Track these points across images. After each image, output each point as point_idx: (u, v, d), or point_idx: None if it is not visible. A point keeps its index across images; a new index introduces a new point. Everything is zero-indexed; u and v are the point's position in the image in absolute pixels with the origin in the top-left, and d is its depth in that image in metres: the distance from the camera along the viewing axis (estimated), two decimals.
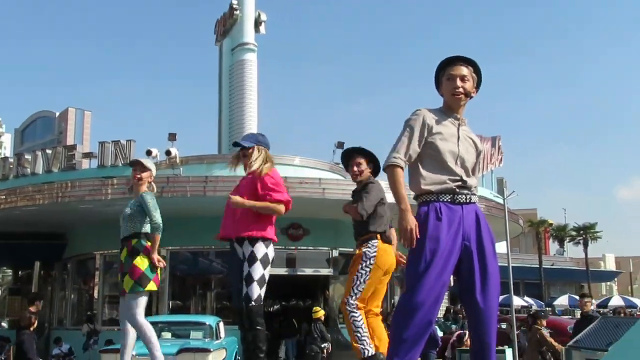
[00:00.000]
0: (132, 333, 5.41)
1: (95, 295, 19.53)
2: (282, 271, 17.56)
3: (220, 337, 12.64)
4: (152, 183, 5.71)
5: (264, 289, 4.80)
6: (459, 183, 3.47)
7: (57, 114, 72.98)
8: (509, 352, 6.75)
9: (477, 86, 3.63)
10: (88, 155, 21.28)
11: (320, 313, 15.20)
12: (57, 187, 17.01)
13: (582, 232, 48.65)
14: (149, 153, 18.83)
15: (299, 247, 17.57)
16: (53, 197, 16.82)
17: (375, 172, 5.49)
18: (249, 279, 4.75)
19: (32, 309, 10.34)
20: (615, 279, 59.75)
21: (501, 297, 23.89)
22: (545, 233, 47.82)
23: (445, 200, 3.44)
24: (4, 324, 23.00)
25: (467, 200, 3.48)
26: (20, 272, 24.52)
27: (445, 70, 3.58)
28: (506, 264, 11.27)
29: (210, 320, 12.52)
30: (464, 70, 3.55)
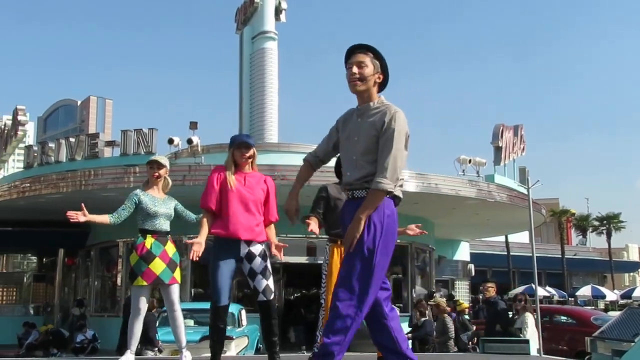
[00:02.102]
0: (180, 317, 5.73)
1: (118, 282, 19.70)
2: (302, 260, 17.57)
3: (242, 325, 12.70)
4: (167, 177, 5.91)
5: None
6: (345, 180, 3.63)
7: (79, 102, 73.59)
8: (532, 342, 6.66)
9: (384, 72, 3.64)
10: (111, 143, 21.40)
11: (464, 305, 15.39)
12: (81, 175, 17.14)
13: (605, 222, 48.18)
14: (170, 142, 18.88)
15: (319, 236, 17.55)
16: (76, 185, 16.95)
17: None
18: (268, 274, 4.95)
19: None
20: (639, 270, 59.12)
21: (524, 287, 23.64)
22: (568, 223, 47.40)
23: (348, 197, 3.63)
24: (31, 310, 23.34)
25: (350, 197, 3.56)
26: (44, 259, 24.81)
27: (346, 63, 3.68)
28: (530, 254, 11.15)
29: (232, 308, 12.57)
30: (361, 57, 3.60)
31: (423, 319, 12.49)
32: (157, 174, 5.77)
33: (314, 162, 3.92)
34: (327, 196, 5.54)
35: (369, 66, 3.58)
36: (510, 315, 11.43)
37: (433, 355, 9.58)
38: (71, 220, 5.50)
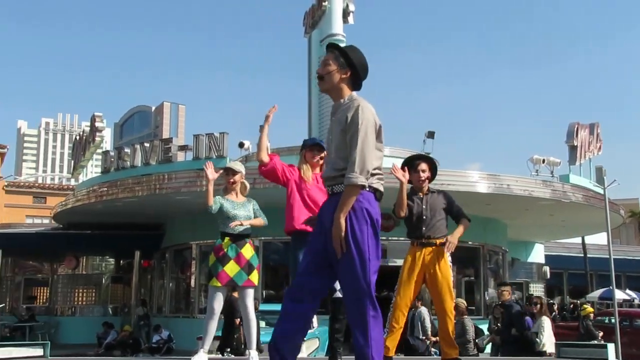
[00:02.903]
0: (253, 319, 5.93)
1: (192, 284, 20.09)
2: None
3: (313, 327, 12.75)
4: (245, 182, 6.10)
5: None
6: (323, 175, 3.73)
7: (153, 108, 75.52)
8: (610, 347, 6.44)
9: (352, 68, 3.65)
10: (183, 148, 21.81)
11: (588, 310, 15.14)
12: (155, 179, 17.57)
13: None
14: (241, 145, 19.17)
15: (389, 238, 17.43)
16: (151, 188, 17.39)
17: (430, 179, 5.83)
18: None
19: (236, 294, 11.27)
20: None
21: (602, 290, 22.79)
22: None
23: (328, 193, 3.68)
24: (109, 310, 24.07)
25: (330, 192, 3.62)
26: (121, 261, 25.51)
27: None
28: (607, 256, 10.82)
29: None
30: (326, 56, 3.72)
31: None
32: (232, 180, 5.94)
33: None
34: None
35: (332, 65, 3.65)
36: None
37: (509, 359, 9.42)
38: (206, 168, 5.81)
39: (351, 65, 3.65)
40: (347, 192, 3.42)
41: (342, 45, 3.71)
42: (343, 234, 3.39)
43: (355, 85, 3.72)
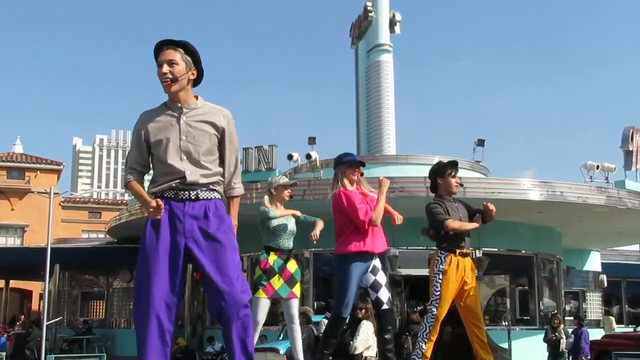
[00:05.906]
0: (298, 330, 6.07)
1: None
2: (424, 272, 17.35)
3: None
4: None
5: None
6: (181, 180, 3.40)
7: None
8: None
9: (198, 67, 3.49)
10: None
11: None
12: None
13: None
14: (290, 157, 19.28)
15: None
16: None
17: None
18: (388, 285, 5.37)
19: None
20: None
21: None
22: None
23: (168, 196, 3.42)
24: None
25: (194, 197, 3.39)
26: None
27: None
28: None
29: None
30: (171, 54, 3.42)
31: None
32: (292, 194, 6.21)
33: (141, 177, 3.65)
34: (445, 208, 5.54)
35: (180, 64, 3.42)
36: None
37: None
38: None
39: (197, 64, 3.50)
40: (238, 202, 3.54)
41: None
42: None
43: (195, 83, 3.55)
